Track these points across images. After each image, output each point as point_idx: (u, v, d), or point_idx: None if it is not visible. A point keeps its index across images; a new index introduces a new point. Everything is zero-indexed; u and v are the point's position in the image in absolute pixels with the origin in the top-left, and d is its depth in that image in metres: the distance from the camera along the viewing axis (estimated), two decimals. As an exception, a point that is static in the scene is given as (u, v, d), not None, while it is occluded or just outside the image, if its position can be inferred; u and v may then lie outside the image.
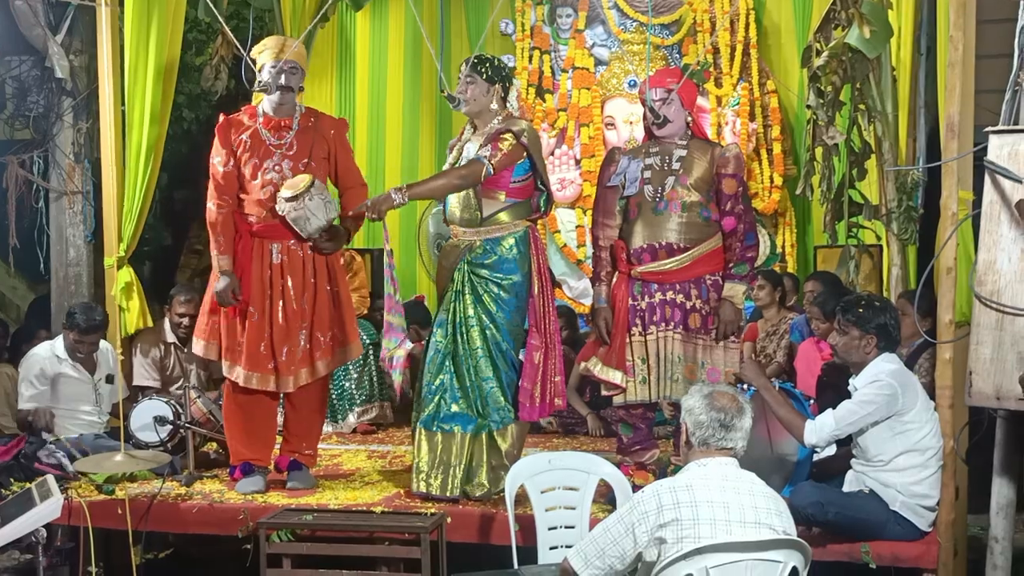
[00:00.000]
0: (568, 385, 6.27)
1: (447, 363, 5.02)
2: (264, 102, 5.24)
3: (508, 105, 5.14)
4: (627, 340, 4.94)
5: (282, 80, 5.08)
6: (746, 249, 4.91)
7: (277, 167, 5.11)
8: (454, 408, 4.98)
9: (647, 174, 4.96)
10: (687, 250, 4.88)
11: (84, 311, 5.85)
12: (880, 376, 4.28)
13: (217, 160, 5.15)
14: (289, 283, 5.14)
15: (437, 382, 5.01)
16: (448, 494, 4.90)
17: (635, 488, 3.84)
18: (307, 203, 4.99)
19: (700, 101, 8.81)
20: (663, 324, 4.89)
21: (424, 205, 8.93)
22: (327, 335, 5.21)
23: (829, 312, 5.77)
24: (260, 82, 5.12)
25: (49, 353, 5.77)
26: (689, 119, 5.03)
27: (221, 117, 5.25)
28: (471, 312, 4.98)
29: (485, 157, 4.90)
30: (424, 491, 4.93)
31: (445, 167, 5.18)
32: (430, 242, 8.91)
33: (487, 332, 4.97)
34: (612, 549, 3.10)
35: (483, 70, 5.02)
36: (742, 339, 6.04)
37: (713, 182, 4.91)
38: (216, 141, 5.19)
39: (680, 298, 4.88)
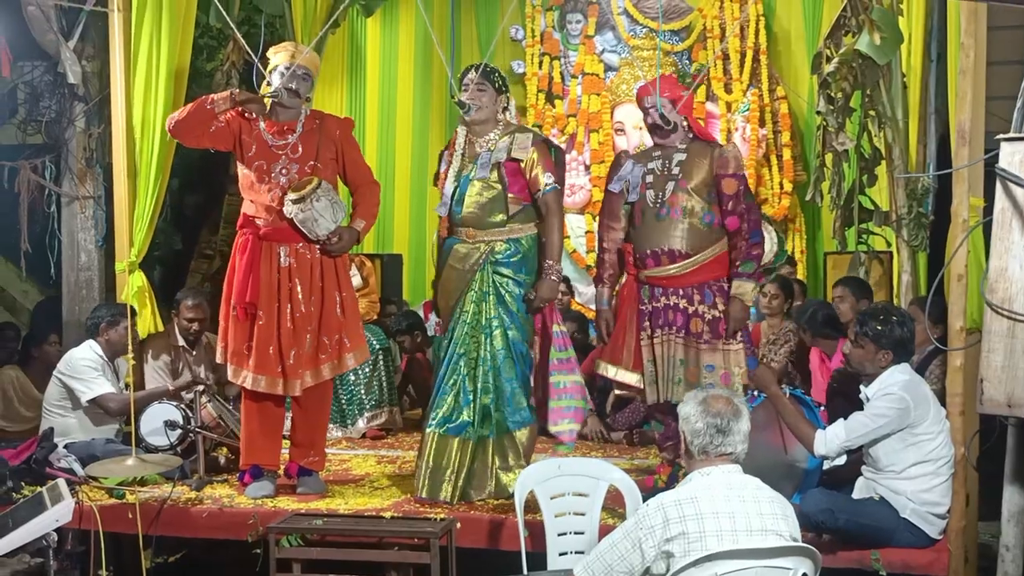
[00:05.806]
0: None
1: (461, 363, 5.05)
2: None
3: (507, 114, 5.20)
4: (641, 343, 4.96)
5: (292, 84, 5.09)
6: (751, 247, 4.92)
7: (284, 170, 5.12)
8: (465, 412, 5.01)
9: (649, 179, 4.99)
10: (690, 256, 4.88)
11: (114, 306, 5.92)
12: (892, 389, 4.26)
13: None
14: (297, 286, 5.13)
15: (451, 382, 5.05)
16: (447, 499, 4.93)
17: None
18: (314, 204, 4.99)
19: (710, 107, 8.83)
20: (666, 328, 4.92)
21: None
22: (333, 338, 5.19)
23: (816, 332, 5.91)
24: (269, 83, 5.14)
25: (93, 354, 5.78)
26: (685, 123, 5.03)
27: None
28: (494, 313, 5.03)
29: (554, 185, 5.02)
30: (428, 496, 4.95)
31: (447, 184, 5.14)
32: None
33: (509, 333, 5.03)
34: (620, 564, 3.10)
35: (495, 79, 5.12)
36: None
37: (714, 184, 4.92)
38: None
39: (684, 303, 4.90)
